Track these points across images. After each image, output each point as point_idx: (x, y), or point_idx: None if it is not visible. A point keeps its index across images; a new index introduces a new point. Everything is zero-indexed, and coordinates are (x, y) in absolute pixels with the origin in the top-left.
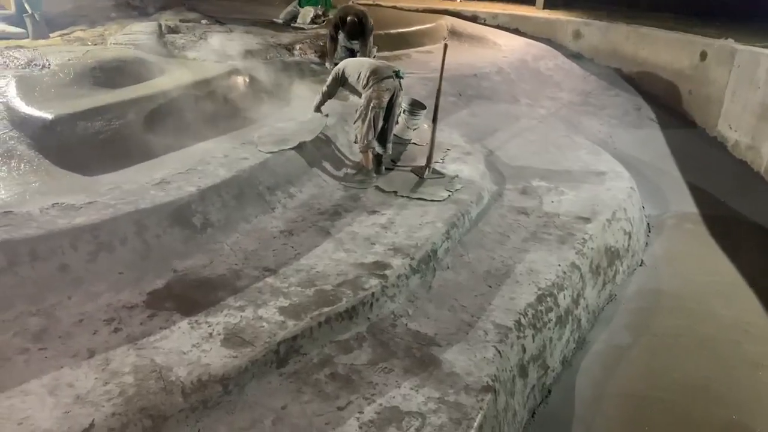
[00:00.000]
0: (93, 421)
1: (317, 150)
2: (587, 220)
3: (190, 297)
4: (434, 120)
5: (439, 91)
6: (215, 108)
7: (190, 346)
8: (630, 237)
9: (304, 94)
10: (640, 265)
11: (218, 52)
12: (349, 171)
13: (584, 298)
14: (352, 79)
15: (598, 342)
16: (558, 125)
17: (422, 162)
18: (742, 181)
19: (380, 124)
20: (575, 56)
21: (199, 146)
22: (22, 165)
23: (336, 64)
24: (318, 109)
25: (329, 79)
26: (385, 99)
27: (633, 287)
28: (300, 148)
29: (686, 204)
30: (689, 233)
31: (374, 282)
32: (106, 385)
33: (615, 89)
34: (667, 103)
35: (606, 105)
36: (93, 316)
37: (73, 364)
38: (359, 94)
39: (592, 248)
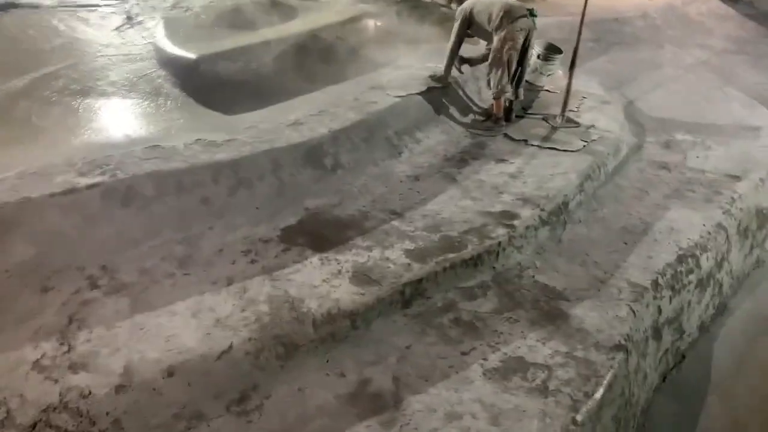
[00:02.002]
0: (231, 343)
1: (445, 95)
2: (737, 178)
3: (320, 234)
4: (572, 66)
5: (579, 34)
6: (346, 51)
7: (320, 281)
8: None
9: (432, 37)
10: None
11: None
12: (477, 117)
13: (728, 261)
14: (481, 20)
15: (741, 310)
16: (707, 75)
17: (556, 110)
18: None
19: (514, 67)
20: None
21: (330, 89)
22: (168, 102)
23: (461, 3)
24: (448, 70)
25: (456, 24)
26: (520, 40)
27: None
28: (428, 93)
29: None
30: None
31: (501, 231)
32: (243, 311)
33: None
34: None
35: (765, 54)
36: (232, 247)
37: (214, 290)
38: (489, 37)
39: (740, 209)
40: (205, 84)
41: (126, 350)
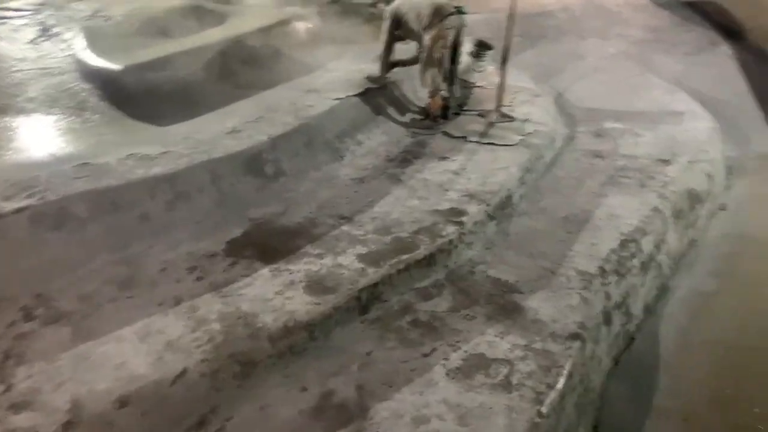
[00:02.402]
0: (186, 366)
1: (382, 96)
2: (667, 162)
3: (268, 245)
4: (504, 61)
5: (509, 30)
6: (277, 55)
7: (273, 294)
8: (711, 179)
9: (363, 38)
10: (722, 209)
11: None
12: (416, 116)
13: (666, 243)
14: (410, 20)
15: (681, 289)
16: (629, 64)
17: (490, 106)
18: None
19: (447, 65)
20: None
21: (265, 95)
22: (95, 117)
23: (388, 3)
24: (383, 71)
25: (384, 25)
26: (451, 38)
27: (715, 232)
28: (364, 94)
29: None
30: None
31: (451, 229)
32: (195, 332)
33: (688, 24)
34: (745, 38)
35: (679, 42)
36: (176, 265)
37: (161, 311)
38: (418, 37)
39: (673, 191)
40: (133, 96)
41: (72, 383)
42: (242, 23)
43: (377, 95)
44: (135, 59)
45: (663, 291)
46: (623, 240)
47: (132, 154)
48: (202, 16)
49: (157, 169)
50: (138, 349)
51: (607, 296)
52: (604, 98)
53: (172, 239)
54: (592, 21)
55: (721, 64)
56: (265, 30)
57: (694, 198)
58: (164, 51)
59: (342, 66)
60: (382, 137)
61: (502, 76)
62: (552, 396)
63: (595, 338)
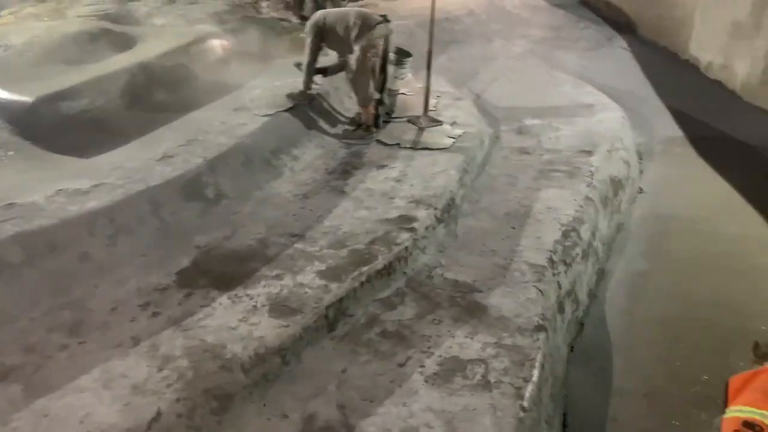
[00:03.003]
0: (158, 409)
1: (312, 109)
2: (589, 152)
3: (221, 271)
4: (428, 66)
5: (431, 35)
6: (197, 75)
7: (237, 321)
8: (629, 166)
9: (282, 52)
10: (640, 193)
11: (185, 16)
12: (348, 127)
13: (599, 229)
14: (338, 31)
15: (617, 272)
16: (536, 62)
17: (417, 111)
18: (720, 101)
19: (377, 73)
20: None
21: (191, 117)
22: (10, 153)
23: (304, 17)
24: (308, 85)
25: (309, 38)
26: (381, 47)
27: (637, 215)
28: (294, 108)
29: (671, 128)
30: (679, 157)
31: (405, 236)
32: (162, 371)
33: (584, 22)
34: (637, 31)
35: (578, 38)
36: (126, 303)
37: (120, 354)
38: (344, 47)
39: (600, 180)
40: (50, 128)
41: None
42: (155, 45)
43: (308, 109)
44: (46, 89)
45: (601, 276)
46: (564, 230)
47: (61, 189)
48: (110, 39)
49: (92, 204)
50: (102, 398)
51: (559, 286)
52: (519, 97)
53: (118, 276)
54: (496, 24)
55: (619, 58)
56: (181, 50)
57: (617, 185)
58: (77, 79)
59: (265, 82)
60: (317, 150)
61: (427, 81)
62: (530, 389)
63: (554, 328)
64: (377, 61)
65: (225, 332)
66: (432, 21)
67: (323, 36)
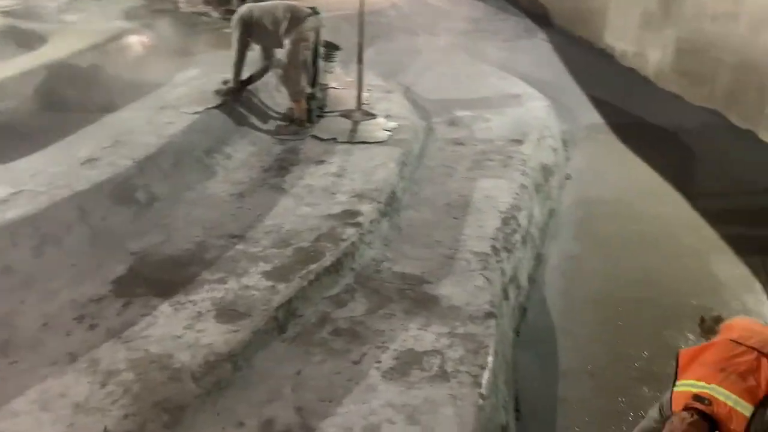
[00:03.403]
0: (105, 428)
1: (242, 105)
2: (520, 142)
3: (160, 277)
4: (360, 59)
5: (361, 27)
6: (115, 74)
7: (182, 329)
8: (556, 153)
9: (204, 48)
10: (568, 179)
11: (99, 12)
12: (280, 123)
13: (534, 216)
14: (266, 24)
15: (553, 256)
16: (461, 54)
17: (349, 105)
18: (635, 88)
19: (309, 67)
20: None
21: (114, 117)
22: None
23: (231, 11)
24: (237, 80)
25: (236, 32)
26: (312, 39)
27: (567, 200)
28: (224, 105)
29: (592, 116)
30: (602, 143)
31: (351, 231)
32: (105, 387)
33: (503, 14)
34: (554, 22)
35: (498, 30)
36: (59, 317)
37: (57, 372)
38: (273, 42)
39: (531, 168)
40: None
41: None
42: (68, 43)
43: (238, 105)
44: None
45: (539, 260)
46: (504, 218)
47: None
48: (19, 38)
49: (13, 213)
50: (41, 421)
51: (503, 272)
52: (447, 89)
53: (47, 289)
54: (419, 17)
55: (538, 48)
56: (97, 47)
57: (547, 172)
58: None
59: (189, 79)
60: (250, 148)
61: (360, 74)
62: (487, 376)
63: (502, 314)
64: (309, 54)
65: (170, 341)
66: (361, 14)
67: (250, 31)
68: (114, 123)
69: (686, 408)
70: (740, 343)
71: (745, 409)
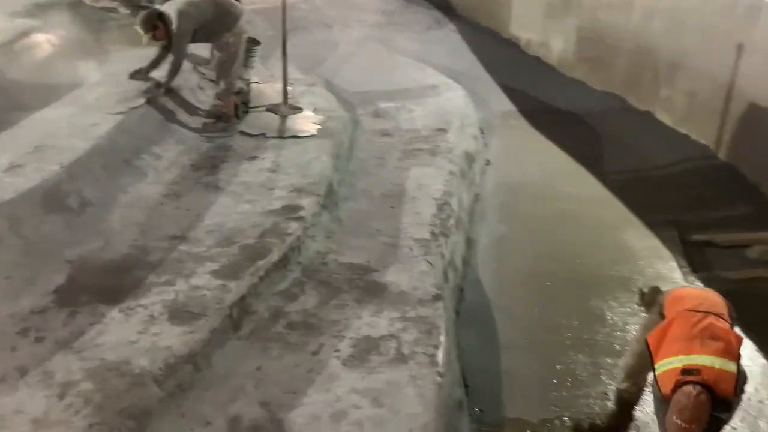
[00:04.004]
0: None
1: (167, 104)
2: (444, 130)
3: (104, 284)
4: (284, 53)
5: (284, 19)
6: (26, 75)
7: (136, 334)
8: (477, 140)
9: (118, 45)
10: (487, 165)
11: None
12: (207, 120)
13: (462, 201)
14: (208, 19)
15: (482, 238)
16: (377, 46)
17: (272, 100)
18: (541, 75)
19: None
20: None
21: (34, 119)
22: None
23: (142, 7)
24: (138, 76)
25: (181, 31)
26: (246, 34)
27: (489, 185)
28: (149, 103)
29: (504, 103)
30: (516, 129)
31: (294, 225)
32: (63, 399)
33: (414, 6)
34: (462, 14)
35: (410, 22)
36: (1, 332)
37: (7, 388)
38: (212, 37)
39: (457, 155)
40: None
41: None
42: None
43: (162, 104)
44: None
45: (470, 244)
46: (439, 204)
47: None
48: None
49: None
50: None
51: (443, 256)
52: (368, 81)
53: None
54: (331, 10)
55: (449, 39)
56: (2, 47)
57: (470, 158)
58: None
59: (107, 77)
60: (178, 147)
61: (285, 68)
62: (442, 355)
63: (445, 296)
64: (242, 48)
65: (126, 347)
66: (284, 6)
67: (186, 31)
68: (32, 127)
69: (678, 384)
70: (696, 311)
71: (730, 366)
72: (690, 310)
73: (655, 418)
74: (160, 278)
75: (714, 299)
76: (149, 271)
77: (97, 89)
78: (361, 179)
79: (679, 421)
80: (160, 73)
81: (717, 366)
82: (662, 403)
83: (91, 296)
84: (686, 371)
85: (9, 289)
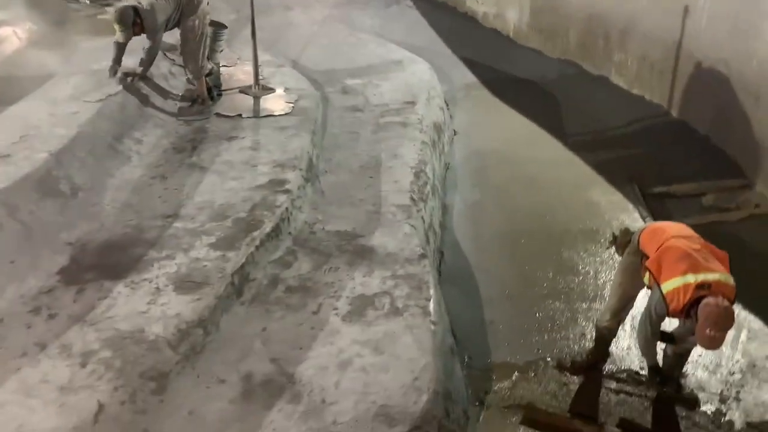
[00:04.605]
0: (98, 401)
1: (141, 89)
2: (413, 103)
3: (106, 262)
4: (253, 35)
5: (252, 3)
6: None
7: (145, 305)
8: (443, 111)
9: (83, 35)
10: (455, 135)
11: None
12: (183, 104)
13: (435, 169)
14: (169, 11)
15: (456, 204)
16: (338, 26)
17: (243, 82)
18: (499, 46)
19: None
20: None
21: (13, 111)
22: None
23: None
24: (115, 71)
25: (157, 20)
26: (209, 15)
27: (458, 154)
28: (125, 90)
29: (466, 76)
30: (479, 99)
31: (282, 198)
32: (86, 366)
33: None
34: None
35: (369, 0)
36: (14, 312)
37: (30, 362)
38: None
39: (427, 126)
40: None
41: None
42: None
43: (136, 89)
44: None
45: (445, 209)
46: (415, 172)
47: None
48: None
49: None
50: (31, 407)
51: (423, 220)
52: (333, 59)
53: None
54: None
55: (407, 15)
56: None
57: (439, 129)
58: None
59: (80, 67)
60: (158, 131)
61: (255, 50)
62: (433, 306)
63: (429, 255)
64: (207, 31)
65: (138, 317)
66: None
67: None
68: (13, 118)
69: (696, 299)
70: (681, 237)
71: (731, 280)
72: (675, 236)
73: (628, 350)
74: (160, 254)
75: (687, 228)
76: (148, 248)
77: (71, 79)
78: (337, 153)
79: (712, 333)
80: (133, 61)
81: (723, 280)
82: (660, 318)
83: (95, 274)
84: (701, 286)
85: (15, 272)
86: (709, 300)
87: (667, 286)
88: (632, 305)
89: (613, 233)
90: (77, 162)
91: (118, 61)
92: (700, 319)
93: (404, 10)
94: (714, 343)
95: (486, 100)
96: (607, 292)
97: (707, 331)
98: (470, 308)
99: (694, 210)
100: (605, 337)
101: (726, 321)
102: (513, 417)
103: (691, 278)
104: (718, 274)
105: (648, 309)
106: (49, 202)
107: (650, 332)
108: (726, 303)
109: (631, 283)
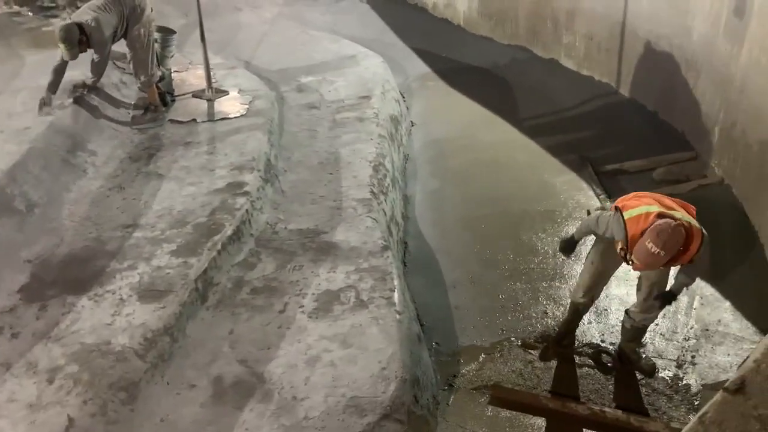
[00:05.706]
0: (68, 415)
1: (91, 100)
2: (367, 97)
3: (68, 277)
4: (202, 38)
5: (199, 7)
6: None
7: (109, 317)
8: (399, 104)
9: (29, 49)
10: (412, 126)
11: None
12: (136, 112)
13: (394, 161)
14: (115, 24)
15: (417, 194)
16: (290, 24)
17: (196, 86)
18: (451, 35)
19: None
20: None
21: None
22: None
23: (43, 8)
24: (50, 100)
25: (105, 33)
26: (154, 22)
27: (417, 144)
28: (76, 103)
29: (419, 66)
30: (433, 89)
31: (242, 200)
32: (53, 382)
33: None
34: None
35: None
36: None
37: None
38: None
39: (383, 119)
40: None
41: None
42: None
43: (86, 101)
44: None
45: (406, 200)
46: (374, 166)
47: None
48: None
49: None
50: (0, 427)
51: (384, 213)
52: (286, 58)
53: None
54: None
55: (358, 10)
56: None
57: (395, 121)
58: None
59: (28, 82)
60: (112, 141)
61: (205, 53)
62: (398, 296)
63: (392, 247)
64: (153, 38)
65: (103, 330)
66: None
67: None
68: None
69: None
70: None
71: (698, 225)
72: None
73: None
74: (121, 264)
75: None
76: (109, 260)
77: (20, 94)
78: (296, 152)
79: (651, 245)
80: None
81: (687, 221)
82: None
83: (57, 290)
84: (662, 216)
85: None
86: (662, 219)
87: (630, 213)
88: (606, 282)
89: (588, 210)
90: (31, 178)
91: (54, 87)
92: (645, 235)
93: (355, 5)
94: (647, 258)
95: (441, 89)
96: (566, 270)
97: (647, 242)
98: (436, 295)
99: (646, 184)
100: (579, 312)
101: (670, 237)
102: (481, 398)
103: (655, 208)
104: (682, 213)
105: (595, 219)
106: (5, 220)
107: (575, 231)
108: (679, 226)
109: (603, 261)
